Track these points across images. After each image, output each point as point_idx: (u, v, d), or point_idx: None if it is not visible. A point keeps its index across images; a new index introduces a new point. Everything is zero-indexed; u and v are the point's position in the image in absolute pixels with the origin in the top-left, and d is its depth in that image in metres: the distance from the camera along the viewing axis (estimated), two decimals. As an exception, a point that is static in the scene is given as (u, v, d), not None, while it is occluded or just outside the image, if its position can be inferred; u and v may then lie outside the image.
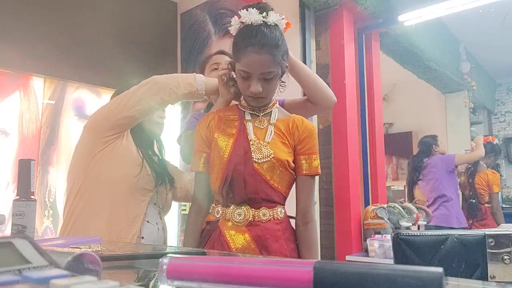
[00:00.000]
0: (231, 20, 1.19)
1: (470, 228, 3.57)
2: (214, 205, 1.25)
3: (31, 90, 2.72)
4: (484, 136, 3.85)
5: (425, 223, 3.27)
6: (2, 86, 2.59)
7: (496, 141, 3.87)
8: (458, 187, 3.82)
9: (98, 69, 2.95)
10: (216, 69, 1.50)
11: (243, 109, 1.26)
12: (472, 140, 4.23)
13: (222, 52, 1.60)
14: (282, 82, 1.25)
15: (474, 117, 5.33)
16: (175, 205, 3.29)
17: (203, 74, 1.51)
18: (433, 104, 5.05)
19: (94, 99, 3.01)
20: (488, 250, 0.95)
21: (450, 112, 5.00)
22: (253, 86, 1.14)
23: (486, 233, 0.99)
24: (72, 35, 2.85)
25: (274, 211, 1.19)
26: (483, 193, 3.72)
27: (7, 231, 1.72)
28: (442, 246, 1.07)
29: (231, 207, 1.19)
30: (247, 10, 1.14)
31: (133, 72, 3.16)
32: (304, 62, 2.59)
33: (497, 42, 4.66)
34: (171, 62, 3.46)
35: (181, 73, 3.44)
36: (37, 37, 2.68)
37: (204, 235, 1.24)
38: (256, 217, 1.17)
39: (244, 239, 1.16)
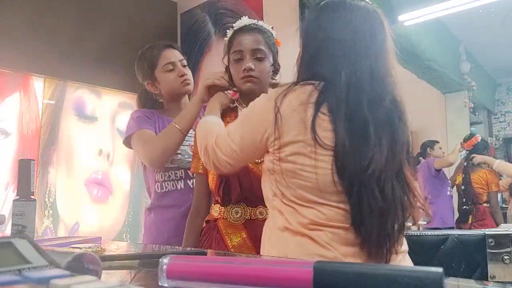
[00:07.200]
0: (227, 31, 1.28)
1: (470, 229, 3.57)
2: (213, 204, 1.26)
3: (31, 90, 2.72)
4: (468, 141, 3.83)
5: (425, 223, 3.28)
6: (2, 86, 2.59)
7: (479, 138, 3.86)
8: (449, 189, 3.86)
9: (98, 69, 2.95)
10: (171, 70, 1.48)
11: (238, 105, 1.27)
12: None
13: (171, 46, 1.54)
14: (274, 72, 1.28)
15: (474, 117, 5.33)
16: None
17: (155, 73, 1.48)
18: (433, 104, 5.04)
19: (94, 99, 3.01)
20: (488, 250, 0.95)
21: (450, 112, 5.00)
22: (246, 63, 1.18)
23: (486, 233, 0.99)
24: (72, 35, 2.85)
25: None
26: (481, 192, 3.69)
27: (7, 231, 1.72)
28: (442, 246, 1.07)
29: (228, 206, 1.19)
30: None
31: (133, 72, 3.15)
32: (304, 62, 2.58)
33: (497, 42, 4.67)
34: (171, 62, 3.45)
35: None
36: (37, 37, 2.68)
37: (203, 234, 1.26)
38: (253, 216, 1.18)
39: (241, 236, 1.17)
